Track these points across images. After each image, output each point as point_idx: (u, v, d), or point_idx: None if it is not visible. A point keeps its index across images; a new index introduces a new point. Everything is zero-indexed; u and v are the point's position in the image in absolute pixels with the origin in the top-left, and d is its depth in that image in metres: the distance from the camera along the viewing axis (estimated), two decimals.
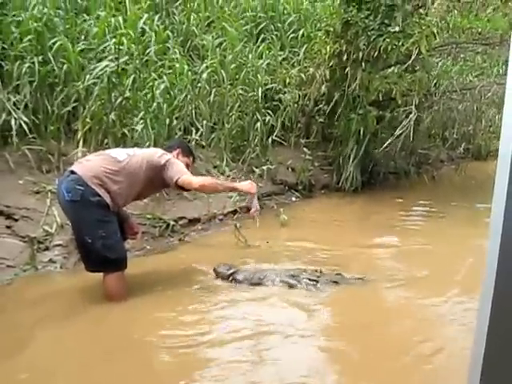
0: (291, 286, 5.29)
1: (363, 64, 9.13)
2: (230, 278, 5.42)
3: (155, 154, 5.12)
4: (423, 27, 8.58)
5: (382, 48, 8.81)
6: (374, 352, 4.13)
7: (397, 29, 8.77)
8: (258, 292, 5.20)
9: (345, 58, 9.20)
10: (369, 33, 8.97)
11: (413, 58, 8.78)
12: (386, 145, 9.24)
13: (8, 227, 5.83)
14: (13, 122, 6.38)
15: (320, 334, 4.53)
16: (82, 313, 4.71)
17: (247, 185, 5.50)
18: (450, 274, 5.79)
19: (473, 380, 1.15)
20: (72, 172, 4.76)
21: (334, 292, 5.22)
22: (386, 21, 9.00)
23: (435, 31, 8.68)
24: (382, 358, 4.05)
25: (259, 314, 4.78)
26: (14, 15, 6.95)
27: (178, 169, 5.04)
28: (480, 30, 10.10)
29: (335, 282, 5.37)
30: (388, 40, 8.75)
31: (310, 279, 5.34)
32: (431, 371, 3.90)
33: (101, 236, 4.69)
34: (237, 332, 4.42)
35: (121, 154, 5.02)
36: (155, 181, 5.09)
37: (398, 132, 9.04)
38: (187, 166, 5.37)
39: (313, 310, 4.90)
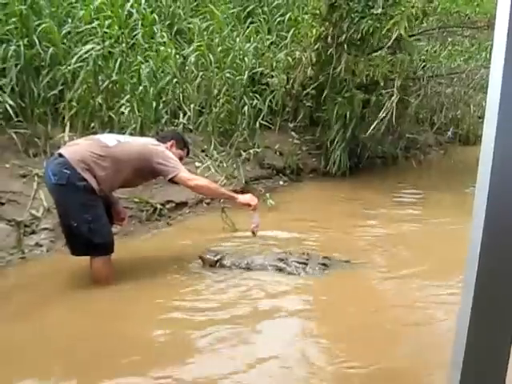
0: (280, 270, 5.29)
1: (348, 47, 9.11)
2: (218, 264, 5.38)
3: (148, 145, 5.10)
4: (403, 8, 8.57)
5: (364, 30, 8.80)
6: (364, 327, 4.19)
7: (379, 11, 8.76)
8: (247, 276, 5.20)
9: (329, 40, 9.17)
10: (352, 15, 8.95)
11: (392, 38, 8.77)
12: (371, 128, 9.22)
13: None
14: None
15: (312, 315, 4.56)
16: (70, 296, 4.71)
17: (247, 197, 5.48)
18: (435, 257, 5.83)
19: (457, 352, 1.16)
20: (60, 155, 4.74)
21: (323, 274, 5.25)
22: (370, 3, 9.00)
23: (414, 12, 8.67)
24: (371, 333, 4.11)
25: (249, 298, 4.79)
26: None
27: (174, 164, 5.02)
28: (468, 13, 10.11)
29: (324, 265, 5.37)
30: (370, 22, 8.74)
31: (298, 262, 5.34)
32: (416, 344, 3.98)
33: (86, 220, 4.68)
34: (226, 316, 4.43)
35: (111, 139, 4.99)
36: (145, 171, 5.06)
37: (381, 115, 9.03)
38: (180, 158, 5.35)
39: (303, 293, 4.93)
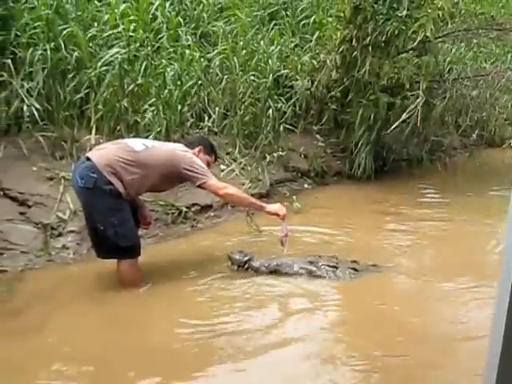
0: (311, 273, 5.25)
1: (373, 49, 9.06)
2: (246, 266, 5.33)
3: (175, 151, 5.11)
4: (429, 10, 8.51)
5: (389, 32, 8.75)
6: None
7: (404, 13, 8.70)
8: (277, 280, 5.18)
9: (354, 43, 9.14)
10: (377, 17, 8.91)
11: (417, 40, 8.71)
12: (393, 127, 9.15)
13: (21, 213, 5.85)
14: (26, 108, 6.39)
15: (346, 322, 4.53)
16: (96, 299, 4.74)
17: (276, 207, 5.45)
18: (463, 260, 5.79)
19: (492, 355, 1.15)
20: (87, 159, 4.78)
21: (354, 279, 5.21)
22: (395, 5, 8.95)
23: (440, 14, 8.61)
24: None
25: (282, 303, 4.80)
26: (26, 2, 6.94)
27: (202, 171, 5.03)
28: (493, 15, 10.02)
29: (354, 269, 5.33)
30: (395, 24, 8.70)
31: (329, 266, 5.30)
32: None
33: (113, 224, 4.71)
34: (257, 320, 4.45)
35: (138, 144, 5.02)
36: (172, 176, 5.08)
37: (404, 116, 8.97)
38: (208, 164, 5.35)
39: (337, 298, 4.91)
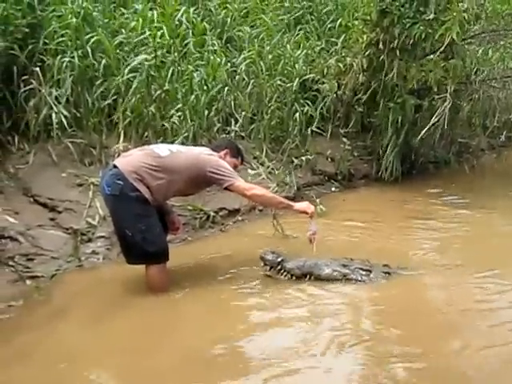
0: (345, 276, 5.18)
1: (400, 52, 9.02)
2: (279, 267, 5.23)
3: (201, 154, 5.12)
4: (455, 13, 8.45)
5: (416, 36, 8.71)
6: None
7: (431, 16, 8.66)
8: (311, 284, 5.13)
9: (381, 46, 9.11)
10: (404, 21, 8.87)
11: (445, 44, 8.66)
12: (423, 133, 9.11)
13: (52, 219, 5.93)
14: (54, 115, 6.46)
15: (390, 326, 4.45)
16: (126, 304, 4.77)
17: (304, 205, 5.45)
18: (492, 263, 5.72)
19: None
20: (114, 166, 4.82)
21: (389, 283, 5.17)
22: (421, 8, 8.90)
23: (466, 17, 8.56)
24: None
25: (318, 308, 4.74)
26: (53, 10, 7.03)
27: (228, 173, 5.03)
28: None
29: (387, 273, 5.28)
30: (422, 28, 8.65)
31: (363, 269, 5.25)
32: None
33: (141, 230, 4.74)
34: (292, 329, 4.39)
35: (164, 149, 5.04)
36: (199, 180, 5.09)
37: (433, 120, 8.92)
38: (235, 166, 5.36)
39: (378, 303, 4.85)
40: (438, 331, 4.31)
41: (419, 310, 4.74)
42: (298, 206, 5.42)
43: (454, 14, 8.45)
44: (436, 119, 8.88)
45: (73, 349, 4.06)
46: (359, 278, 5.17)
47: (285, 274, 5.22)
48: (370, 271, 5.23)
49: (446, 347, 4.08)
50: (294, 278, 5.20)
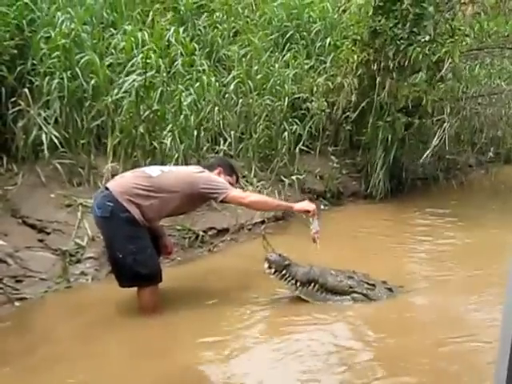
0: (350, 287, 5.18)
1: (391, 72, 9.09)
2: (285, 271, 5.10)
3: (192, 173, 5.14)
4: (456, 36, 8.53)
5: (412, 57, 8.76)
6: None
7: (427, 38, 8.73)
8: (306, 303, 5.14)
9: (374, 66, 9.17)
10: (398, 42, 8.93)
11: (445, 67, 8.74)
12: (423, 158, 9.25)
13: (40, 241, 5.92)
14: (43, 136, 6.48)
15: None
16: (116, 325, 4.76)
17: (304, 204, 5.47)
18: (484, 279, 5.77)
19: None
20: (106, 188, 4.84)
21: (393, 300, 5.25)
22: (415, 29, 8.97)
23: (467, 39, 8.66)
24: None
25: (323, 330, 4.75)
26: (42, 31, 7.05)
27: (221, 185, 5.03)
28: (507, 33, 10.02)
29: (389, 289, 5.31)
30: (418, 49, 8.71)
31: (368, 283, 5.25)
32: None
33: (132, 251, 4.73)
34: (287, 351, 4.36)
35: (155, 170, 5.07)
36: (194, 197, 5.08)
37: (434, 142, 9.01)
38: (231, 185, 5.29)
39: (385, 321, 4.92)
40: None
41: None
42: (298, 205, 5.45)
43: (456, 36, 8.54)
44: (437, 141, 8.98)
45: (60, 372, 4.05)
46: (364, 292, 5.18)
47: (289, 279, 5.12)
48: (375, 285, 5.25)
49: None
50: (298, 284, 5.12)
